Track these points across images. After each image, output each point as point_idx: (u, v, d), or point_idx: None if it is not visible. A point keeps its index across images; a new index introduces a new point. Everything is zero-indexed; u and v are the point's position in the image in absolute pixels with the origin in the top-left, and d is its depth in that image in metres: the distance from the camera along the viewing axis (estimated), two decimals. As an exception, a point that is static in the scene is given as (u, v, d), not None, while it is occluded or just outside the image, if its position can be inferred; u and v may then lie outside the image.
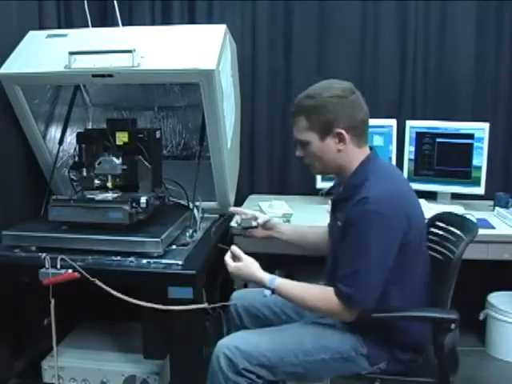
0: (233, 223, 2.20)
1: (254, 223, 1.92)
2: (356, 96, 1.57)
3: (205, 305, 1.76)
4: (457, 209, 2.54)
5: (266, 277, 1.61)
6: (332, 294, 1.51)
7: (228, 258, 1.68)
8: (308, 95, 1.57)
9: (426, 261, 1.66)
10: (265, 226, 1.96)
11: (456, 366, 1.68)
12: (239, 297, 1.92)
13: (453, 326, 1.52)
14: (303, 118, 1.56)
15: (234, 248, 1.69)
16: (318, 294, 1.56)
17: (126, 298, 1.75)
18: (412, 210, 1.55)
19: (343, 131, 1.53)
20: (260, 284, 1.62)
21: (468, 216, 2.32)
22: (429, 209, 2.50)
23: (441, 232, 1.77)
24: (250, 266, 1.64)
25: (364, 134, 1.59)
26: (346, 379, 1.68)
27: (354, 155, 1.57)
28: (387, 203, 1.47)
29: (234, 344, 1.57)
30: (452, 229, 1.73)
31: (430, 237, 1.78)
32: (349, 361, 1.58)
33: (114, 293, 1.74)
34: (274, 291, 1.59)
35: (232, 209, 2.06)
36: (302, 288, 1.59)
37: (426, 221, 1.78)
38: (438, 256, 1.73)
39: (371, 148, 1.64)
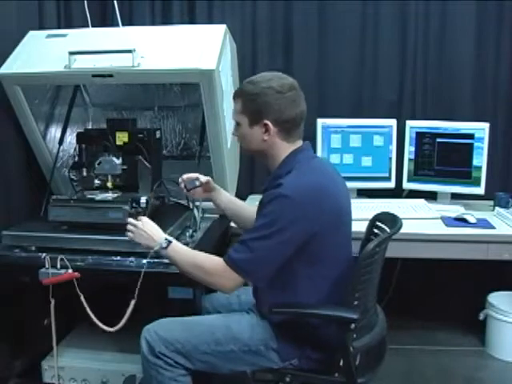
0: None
1: (197, 183, 1.95)
2: (293, 93, 1.61)
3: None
4: (457, 209, 2.55)
5: (164, 235, 1.69)
6: (221, 260, 1.56)
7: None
8: (250, 81, 1.65)
9: (347, 259, 1.65)
10: (207, 186, 1.96)
11: (371, 367, 1.67)
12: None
13: (352, 325, 1.50)
14: (240, 101, 1.63)
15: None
16: (207, 257, 1.62)
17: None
18: (328, 204, 1.55)
19: (270, 123, 1.58)
20: (158, 238, 1.67)
21: (467, 216, 2.34)
22: (428, 209, 2.51)
23: (378, 231, 1.79)
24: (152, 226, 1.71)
25: (295, 130, 1.62)
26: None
27: (281, 148, 1.62)
28: (298, 190, 1.50)
29: (154, 329, 1.65)
30: (386, 228, 1.74)
31: (372, 237, 1.78)
32: (258, 354, 1.61)
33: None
34: (166, 247, 1.65)
35: (180, 179, 1.96)
36: (191, 252, 1.66)
37: (367, 222, 1.82)
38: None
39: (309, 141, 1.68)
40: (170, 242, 1.66)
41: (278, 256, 1.52)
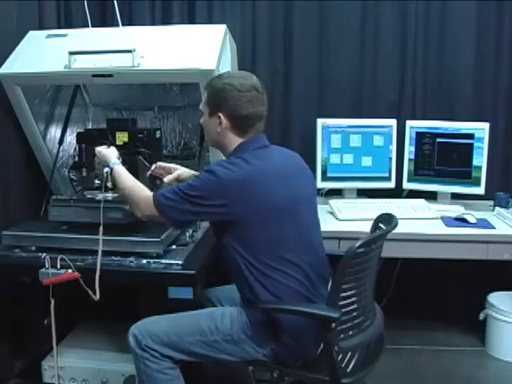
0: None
1: (158, 181, 2.05)
2: (251, 94, 1.68)
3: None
4: (457, 209, 2.55)
5: (112, 159, 1.89)
6: (150, 196, 1.71)
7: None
8: (219, 75, 1.77)
9: (302, 256, 1.66)
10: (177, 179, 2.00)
11: (365, 366, 1.67)
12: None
13: (333, 325, 1.51)
14: (206, 92, 1.75)
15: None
16: (141, 186, 1.79)
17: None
18: (256, 194, 1.60)
19: (223, 117, 1.68)
20: (106, 163, 1.90)
21: (467, 216, 2.34)
22: (428, 209, 2.51)
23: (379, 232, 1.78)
24: (110, 151, 1.94)
25: (248, 127, 1.70)
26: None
27: (233, 141, 1.71)
28: (225, 172, 1.59)
29: (143, 324, 1.71)
30: (384, 228, 1.75)
31: None
32: (241, 343, 1.65)
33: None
34: (111, 171, 1.86)
35: (153, 166, 2.04)
36: (132, 179, 1.83)
37: (367, 222, 1.86)
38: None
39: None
40: (111, 169, 1.86)
41: (188, 213, 1.64)
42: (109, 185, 2.12)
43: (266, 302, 1.61)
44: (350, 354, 1.69)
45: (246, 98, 1.66)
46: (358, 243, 1.51)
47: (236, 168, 1.61)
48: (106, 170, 1.88)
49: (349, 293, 1.57)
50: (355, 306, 1.60)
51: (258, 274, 1.62)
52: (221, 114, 1.68)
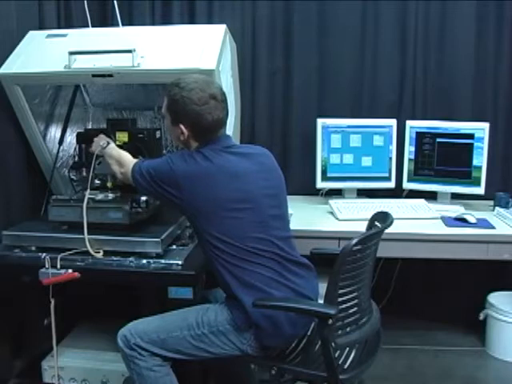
0: None
1: None
2: (211, 105, 1.71)
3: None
4: (457, 209, 2.55)
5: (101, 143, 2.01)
6: (134, 162, 1.84)
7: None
8: (177, 83, 1.74)
9: (273, 248, 1.70)
10: None
11: (361, 363, 1.69)
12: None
13: (330, 321, 1.53)
14: (165, 99, 1.78)
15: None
16: (129, 157, 1.90)
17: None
18: (213, 188, 1.66)
19: (184, 128, 1.74)
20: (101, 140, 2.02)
21: (467, 216, 2.34)
22: (428, 209, 2.51)
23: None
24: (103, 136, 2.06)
25: (209, 134, 1.75)
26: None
27: (195, 145, 1.78)
28: (182, 162, 1.69)
29: (133, 324, 1.74)
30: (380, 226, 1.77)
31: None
32: (225, 333, 1.68)
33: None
34: (107, 144, 1.98)
35: None
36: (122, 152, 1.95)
37: (367, 222, 1.87)
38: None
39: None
40: (107, 144, 1.98)
41: (152, 188, 1.74)
42: (108, 185, 2.14)
43: (262, 299, 1.62)
44: (347, 350, 1.71)
45: (205, 110, 1.71)
46: (354, 241, 1.54)
47: (192, 161, 1.68)
48: (103, 142, 1.97)
49: (345, 290, 1.59)
50: (352, 302, 1.62)
51: (229, 266, 1.66)
52: (182, 126, 1.74)
